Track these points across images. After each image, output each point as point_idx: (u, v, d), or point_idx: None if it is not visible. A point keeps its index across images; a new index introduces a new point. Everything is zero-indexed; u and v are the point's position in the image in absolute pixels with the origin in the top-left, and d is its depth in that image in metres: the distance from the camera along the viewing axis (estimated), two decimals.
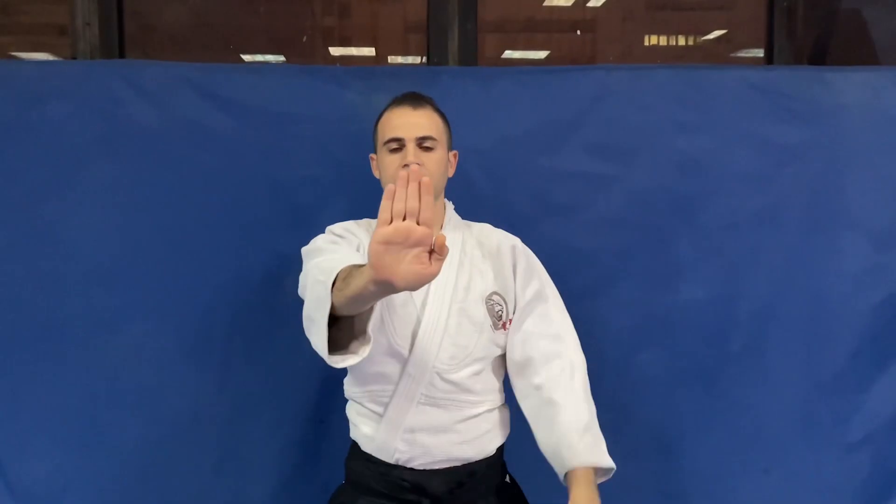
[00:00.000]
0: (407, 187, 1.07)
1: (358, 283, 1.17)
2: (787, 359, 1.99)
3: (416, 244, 1.08)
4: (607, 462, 1.47)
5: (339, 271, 1.25)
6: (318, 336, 1.28)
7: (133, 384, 1.89)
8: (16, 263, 1.86)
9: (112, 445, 1.88)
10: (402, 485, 1.47)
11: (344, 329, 1.32)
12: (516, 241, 1.60)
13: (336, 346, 1.30)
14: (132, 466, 1.89)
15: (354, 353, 1.30)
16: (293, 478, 1.93)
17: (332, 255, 1.39)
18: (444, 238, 1.09)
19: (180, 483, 1.90)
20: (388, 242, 1.07)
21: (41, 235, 1.87)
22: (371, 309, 1.27)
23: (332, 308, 1.24)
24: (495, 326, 1.51)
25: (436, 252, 1.09)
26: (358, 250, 1.49)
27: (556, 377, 1.50)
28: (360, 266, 1.21)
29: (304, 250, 1.50)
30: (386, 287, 1.11)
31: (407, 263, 1.08)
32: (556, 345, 1.53)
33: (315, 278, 1.30)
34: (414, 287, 1.11)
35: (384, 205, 1.08)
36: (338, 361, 1.30)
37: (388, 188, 1.08)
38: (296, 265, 1.52)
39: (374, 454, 1.50)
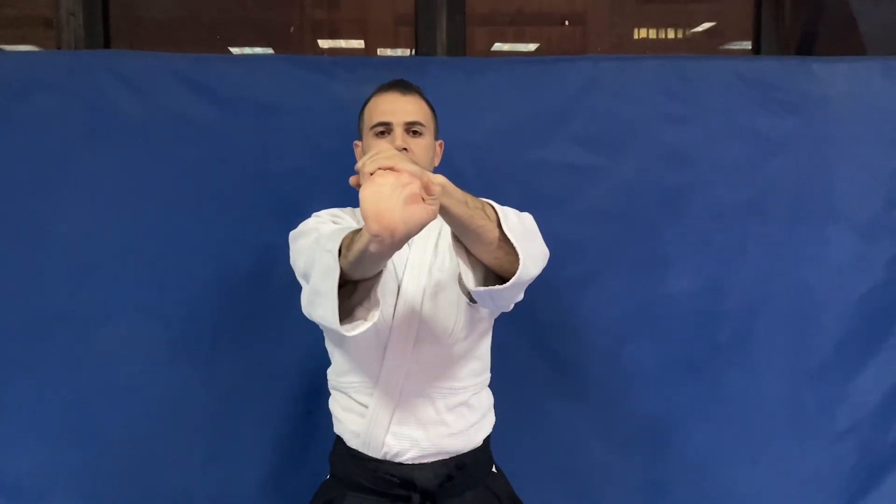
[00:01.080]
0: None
1: (361, 243, 1.15)
2: (773, 349, 1.99)
3: (404, 182, 1.06)
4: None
5: (342, 239, 1.23)
6: (326, 307, 1.24)
7: (119, 378, 1.87)
8: (0, 256, 1.85)
9: (99, 440, 1.87)
10: (391, 480, 1.46)
11: (347, 299, 1.29)
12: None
13: (342, 317, 1.26)
14: (119, 461, 1.88)
15: (363, 318, 1.28)
16: (280, 471, 1.93)
17: (331, 227, 1.37)
18: (429, 180, 1.08)
19: (167, 477, 1.89)
20: (377, 184, 1.05)
21: (26, 228, 1.85)
22: (378, 273, 1.26)
23: (342, 275, 1.21)
24: (470, 302, 1.47)
25: (427, 192, 1.07)
26: None
27: None
28: (361, 229, 1.18)
29: (292, 234, 1.48)
30: (386, 238, 1.06)
31: (402, 207, 1.05)
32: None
33: (322, 249, 1.28)
34: (415, 230, 1.08)
35: (365, 158, 1.11)
36: (349, 329, 1.26)
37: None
38: (283, 257, 1.51)
39: (360, 450, 1.49)
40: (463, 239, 1.29)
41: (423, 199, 1.07)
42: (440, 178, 1.18)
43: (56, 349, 1.86)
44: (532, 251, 1.31)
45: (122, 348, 1.88)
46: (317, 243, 1.33)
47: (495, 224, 1.27)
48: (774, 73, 2.00)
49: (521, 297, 1.43)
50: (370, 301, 1.28)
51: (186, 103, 1.89)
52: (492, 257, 1.30)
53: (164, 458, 1.89)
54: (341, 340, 1.48)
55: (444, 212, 1.20)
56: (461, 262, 1.32)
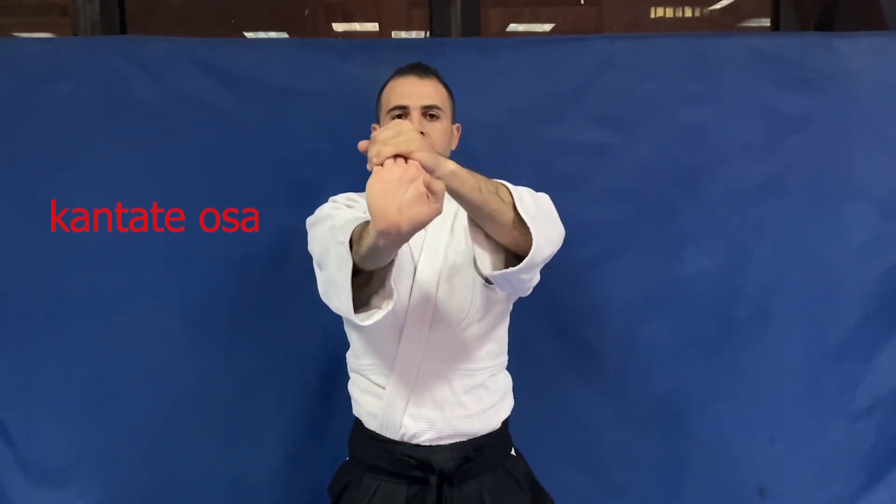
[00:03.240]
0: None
1: (370, 237, 1.16)
2: (792, 329, 1.98)
3: (411, 177, 1.07)
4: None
5: (354, 231, 1.24)
6: (341, 297, 1.26)
7: (140, 362, 1.90)
8: (19, 242, 1.87)
9: (120, 423, 1.90)
10: (409, 461, 1.47)
11: (362, 288, 1.30)
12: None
13: (358, 305, 1.28)
14: (140, 443, 1.91)
15: (378, 307, 1.29)
16: (299, 453, 1.95)
17: (344, 215, 1.38)
18: (431, 180, 1.08)
19: (187, 459, 1.92)
20: (384, 180, 1.07)
21: (44, 214, 1.87)
22: (391, 262, 1.26)
23: (354, 266, 1.22)
24: (486, 284, 1.47)
25: (431, 192, 1.08)
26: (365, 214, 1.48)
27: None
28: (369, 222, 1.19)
29: (309, 220, 1.49)
30: (392, 234, 1.08)
31: (408, 203, 1.07)
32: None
33: (335, 240, 1.29)
34: (419, 226, 1.09)
35: (371, 148, 1.10)
36: (364, 319, 1.28)
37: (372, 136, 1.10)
38: (299, 240, 1.52)
39: (378, 431, 1.50)
40: (478, 221, 1.29)
41: (426, 198, 1.08)
42: (451, 167, 1.18)
43: (77, 334, 1.89)
44: (547, 231, 1.31)
45: (141, 333, 1.90)
46: (330, 232, 1.33)
47: (510, 206, 1.27)
48: (793, 50, 1.97)
49: (538, 279, 1.42)
50: (385, 290, 1.29)
51: (202, 88, 1.90)
52: (508, 238, 1.30)
53: (185, 439, 1.92)
54: (358, 324, 1.48)
55: (458, 197, 1.22)
56: (476, 247, 1.32)
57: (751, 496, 2.01)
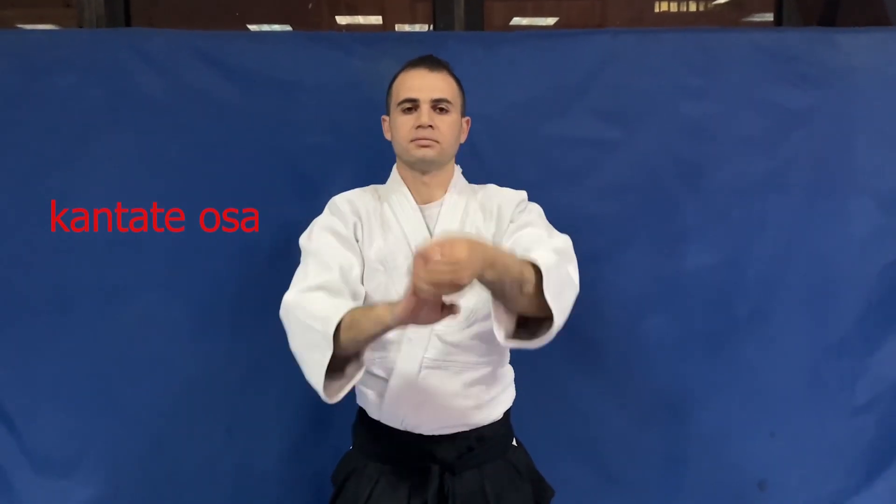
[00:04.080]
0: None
1: (375, 328, 1.29)
2: (793, 323, 1.99)
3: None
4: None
5: (342, 319, 1.31)
6: (313, 374, 1.34)
7: (144, 353, 1.91)
8: (25, 233, 1.88)
9: (124, 413, 1.91)
10: (411, 451, 1.48)
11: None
12: (522, 195, 1.59)
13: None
14: (144, 433, 1.92)
15: (351, 377, 1.37)
16: (303, 443, 1.95)
17: (325, 275, 1.43)
18: (458, 307, 1.20)
19: (192, 448, 1.93)
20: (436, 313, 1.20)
21: (49, 205, 1.87)
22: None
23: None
24: None
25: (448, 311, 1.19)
26: (356, 238, 1.51)
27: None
28: (369, 310, 1.32)
29: (301, 243, 1.52)
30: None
31: (427, 312, 1.18)
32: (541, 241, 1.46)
33: (306, 324, 1.35)
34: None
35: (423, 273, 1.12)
36: (333, 394, 1.35)
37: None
38: (301, 233, 1.53)
39: (381, 421, 1.51)
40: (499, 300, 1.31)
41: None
42: (477, 266, 1.16)
43: (81, 325, 1.89)
44: (563, 304, 1.31)
45: (146, 324, 1.91)
46: (306, 308, 1.38)
47: (532, 286, 1.27)
48: (796, 45, 1.98)
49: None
50: (358, 362, 1.38)
51: (206, 80, 1.90)
52: (526, 309, 1.31)
53: (189, 430, 1.92)
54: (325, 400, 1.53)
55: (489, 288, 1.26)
56: (493, 315, 1.32)
57: (751, 489, 2.01)
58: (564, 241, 1.45)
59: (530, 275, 1.27)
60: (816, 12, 2.41)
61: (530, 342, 1.31)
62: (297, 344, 1.38)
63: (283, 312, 1.42)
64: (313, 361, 1.32)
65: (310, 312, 1.35)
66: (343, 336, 1.31)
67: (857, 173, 1.98)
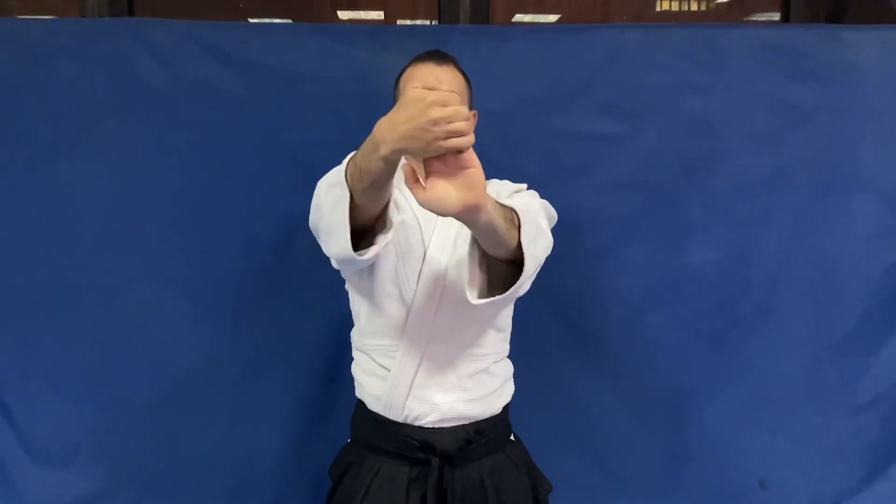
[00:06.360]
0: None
1: (374, 169, 1.15)
2: (796, 321, 1.98)
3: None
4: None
5: (346, 163, 1.24)
6: (339, 234, 1.26)
7: (144, 345, 1.90)
8: (25, 224, 1.87)
9: (124, 405, 1.90)
10: (411, 443, 1.48)
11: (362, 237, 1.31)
12: (521, 186, 1.58)
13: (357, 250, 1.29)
14: (144, 425, 1.91)
15: (376, 242, 1.30)
16: (303, 436, 1.95)
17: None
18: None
19: (192, 441, 1.92)
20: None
21: (50, 195, 1.87)
22: (386, 206, 1.28)
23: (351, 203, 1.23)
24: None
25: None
26: None
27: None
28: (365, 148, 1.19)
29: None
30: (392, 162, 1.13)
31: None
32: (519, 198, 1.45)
33: (328, 183, 1.29)
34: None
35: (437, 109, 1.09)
36: (363, 254, 1.28)
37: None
38: (304, 225, 1.51)
39: (381, 413, 1.51)
40: (484, 244, 1.27)
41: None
42: (490, 202, 1.16)
43: (81, 315, 1.89)
44: (537, 251, 1.30)
45: (146, 315, 1.90)
46: (324, 179, 1.33)
47: (516, 230, 1.26)
48: (803, 42, 1.97)
49: (528, 286, 1.39)
50: (385, 225, 1.31)
51: (209, 71, 1.89)
52: (505, 255, 1.29)
53: (188, 422, 1.92)
54: (367, 299, 1.50)
55: (484, 226, 1.20)
56: (465, 276, 1.30)
57: (752, 488, 2.01)
58: (542, 203, 1.45)
59: (514, 219, 1.27)
60: (824, 9, 2.40)
61: (501, 295, 1.29)
62: (324, 205, 1.31)
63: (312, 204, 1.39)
64: (335, 208, 1.25)
65: (325, 180, 1.32)
66: (350, 177, 1.23)
67: (862, 171, 1.97)
